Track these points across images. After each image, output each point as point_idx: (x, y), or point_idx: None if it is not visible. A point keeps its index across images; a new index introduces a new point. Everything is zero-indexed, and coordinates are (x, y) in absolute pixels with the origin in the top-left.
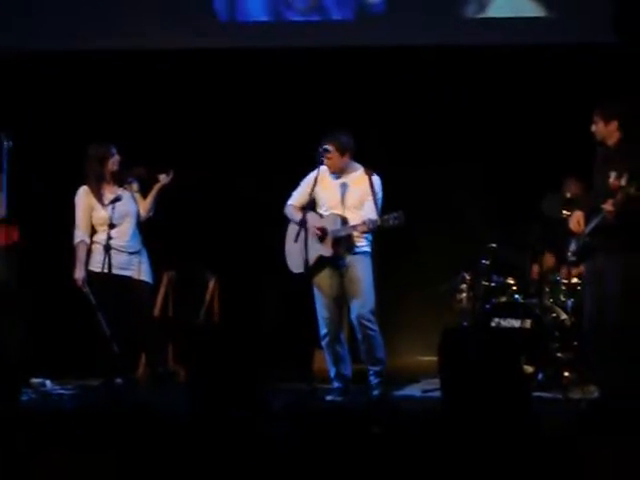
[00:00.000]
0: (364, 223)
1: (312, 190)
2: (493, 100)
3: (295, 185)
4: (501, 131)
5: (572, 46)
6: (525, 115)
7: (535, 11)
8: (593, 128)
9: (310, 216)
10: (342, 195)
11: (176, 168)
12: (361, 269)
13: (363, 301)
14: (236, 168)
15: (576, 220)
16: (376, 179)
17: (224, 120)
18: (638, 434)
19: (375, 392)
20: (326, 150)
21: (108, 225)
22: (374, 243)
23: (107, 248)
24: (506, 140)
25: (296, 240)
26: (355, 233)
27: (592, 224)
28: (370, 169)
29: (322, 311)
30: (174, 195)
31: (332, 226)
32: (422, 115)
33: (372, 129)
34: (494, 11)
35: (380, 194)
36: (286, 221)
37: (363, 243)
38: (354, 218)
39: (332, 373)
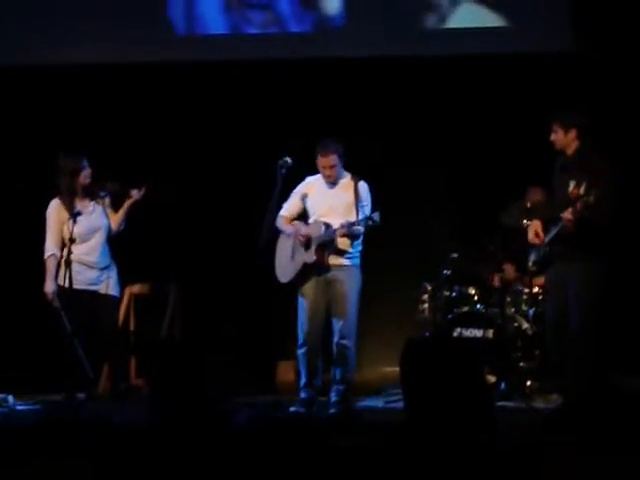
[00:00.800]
0: (342, 226)
1: (303, 200)
2: (454, 110)
3: (260, 196)
4: (463, 140)
5: (532, 55)
6: (487, 124)
7: (495, 21)
8: (552, 137)
9: (298, 225)
10: (331, 203)
11: (140, 181)
12: (349, 284)
13: (345, 319)
14: (197, 180)
15: (534, 230)
16: (362, 185)
17: (186, 132)
18: (600, 441)
19: (332, 410)
20: (331, 167)
21: (69, 239)
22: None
23: (68, 263)
24: (468, 150)
25: (292, 254)
26: (342, 243)
27: (552, 233)
28: (357, 176)
29: (304, 321)
30: (138, 208)
31: (316, 232)
32: (384, 125)
33: (331, 140)
34: (454, 22)
35: (367, 199)
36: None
37: (354, 254)
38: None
39: (302, 382)
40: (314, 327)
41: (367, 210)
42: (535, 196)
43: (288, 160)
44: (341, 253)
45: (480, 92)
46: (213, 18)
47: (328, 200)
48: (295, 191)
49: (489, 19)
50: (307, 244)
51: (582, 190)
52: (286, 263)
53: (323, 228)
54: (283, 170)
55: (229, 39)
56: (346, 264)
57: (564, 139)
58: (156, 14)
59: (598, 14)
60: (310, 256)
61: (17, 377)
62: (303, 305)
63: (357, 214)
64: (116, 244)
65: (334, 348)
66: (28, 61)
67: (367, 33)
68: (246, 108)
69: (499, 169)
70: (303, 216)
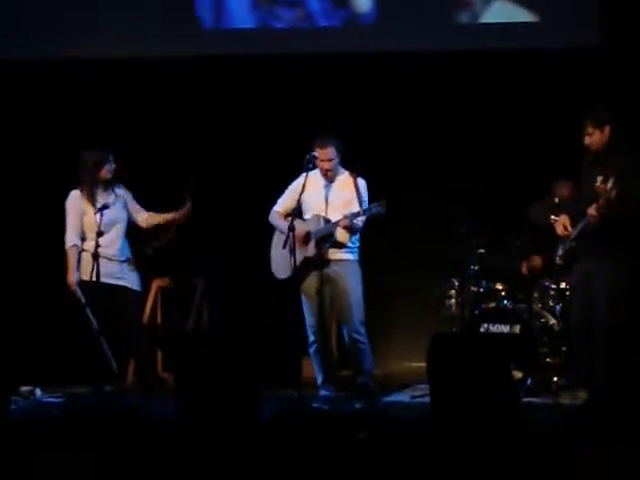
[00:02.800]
0: (345, 217)
1: (299, 196)
2: (483, 105)
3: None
4: (491, 136)
5: (561, 51)
6: (516, 119)
7: (524, 17)
8: (588, 140)
9: (296, 223)
10: (329, 199)
11: (163, 175)
12: (351, 280)
13: (353, 314)
14: (224, 174)
15: (562, 224)
16: (361, 182)
17: (214, 126)
18: (626, 436)
19: (358, 404)
20: (329, 160)
21: (96, 233)
22: (362, 249)
23: (95, 256)
24: (495, 145)
25: (284, 247)
26: (341, 237)
27: (578, 228)
28: (355, 173)
29: (309, 318)
30: (165, 202)
31: (315, 227)
32: (413, 120)
33: (361, 134)
34: (486, 18)
35: (365, 197)
36: (272, 228)
37: (353, 249)
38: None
39: (319, 380)
40: (321, 323)
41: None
42: (563, 191)
43: (316, 155)
44: (340, 247)
45: (509, 87)
46: (241, 14)
47: (326, 196)
48: (291, 187)
49: (518, 14)
50: (306, 239)
51: (609, 185)
52: (283, 259)
53: (322, 222)
54: (310, 165)
55: (256, 33)
56: (346, 258)
57: (600, 138)
58: (183, 8)
59: (626, 10)
60: (310, 250)
61: (44, 369)
62: (307, 303)
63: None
64: (144, 236)
65: (348, 345)
66: (54, 55)
67: (398, 30)
68: (274, 102)
69: (527, 164)
70: (298, 212)
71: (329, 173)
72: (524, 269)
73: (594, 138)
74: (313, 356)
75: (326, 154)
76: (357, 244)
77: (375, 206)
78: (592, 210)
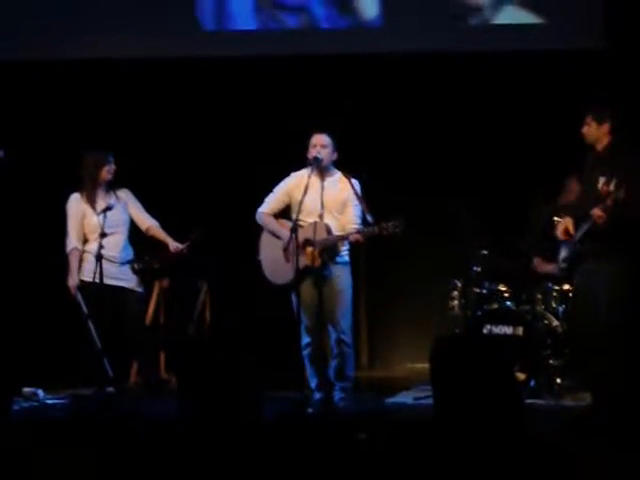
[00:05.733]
0: (358, 232)
1: (290, 197)
2: (486, 106)
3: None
4: (496, 136)
5: (563, 52)
6: (520, 120)
7: (529, 18)
8: (584, 130)
9: (290, 225)
10: (322, 200)
11: (163, 176)
12: (343, 281)
13: (342, 316)
14: (225, 175)
15: (563, 228)
16: (356, 182)
17: (214, 127)
18: (631, 439)
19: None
20: (322, 145)
21: (99, 234)
22: (362, 250)
23: (98, 257)
24: (500, 146)
25: (284, 251)
26: (339, 245)
27: (582, 230)
28: (348, 173)
29: (305, 320)
30: (167, 205)
31: (318, 235)
32: (413, 120)
33: (363, 135)
34: (493, 20)
35: (361, 198)
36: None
37: (345, 252)
38: (335, 224)
39: (313, 384)
40: (315, 323)
41: (359, 210)
42: (572, 187)
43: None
44: (339, 251)
45: (514, 88)
46: (243, 19)
47: (318, 197)
48: (280, 186)
49: (523, 16)
50: (304, 245)
51: (612, 186)
52: (280, 264)
53: (324, 231)
54: (311, 165)
55: (258, 34)
56: (338, 262)
57: (596, 132)
58: (184, 10)
59: (631, 13)
60: (315, 260)
61: (47, 371)
62: (302, 304)
63: (361, 215)
64: (146, 237)
65: (333, 346)
66: (53, 55)
67: (404, 34)
68: (277, 104)
69: (531, 165)
70: (286, 213)
71: (320, 160)
72: (538, 265)
73: (590, 130)
74: (307, 359)
75: (320, 139)
76: (348, 246)
77: (394, 227)
78: (598, 211)
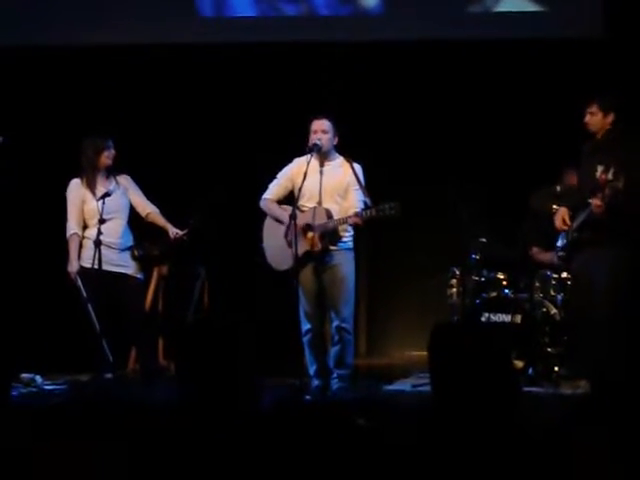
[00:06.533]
0: (357, 215)
1: (292, 183)
2: (485, 94)
3: None
4: (494, 124)
5: (563, 40)
6: (518, 108)
7: (528, 6)
8: (588, 118)
9: (300, 216)
10: (324, 184)
11: (162, 162)
12: (346, 268)
13: (344, 303)
14: (224, 162)
15: (561, 217)
16: (358, 167)
17: (214, 113)
18: (630, 425)
19: (348, 394)
20: (323, 131)
21: (98, 220)
22: (362, 238)
23: (97, 243)
24: (497, 132)
25: (286, 235)
26: (341, 230)
27: (580, 219)
28: (350, 158)
29: (306, 306)
30: (166, 191)
31: (318, 220)
32: (413, 107)
33: (363, 123)
34: (494, 8)
35: (363, 181)
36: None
37: (348, 238)
38: (336, 209)
39: (312, 371)
40: (315, 310)
41: (360, 194)
42: (570, 179)
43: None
44: (339, 239)
45: (513, 76)
46: (242, 7)
47: (319, 182)
48: (282, 172)
49: (524, 4)
50: (305, 230)
51: (610, 175)
52: (281, 250)
53: (324, 215)
54: (311, 152)
55: (257, 21)
56: (341, 248)
57: (601, 121)
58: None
59: (630, 3)
60: (315, 245)
61: (45, 357)
62: (303, 290)
63: (363, 199)
64: (145, 224)
65: (334, 333)
66: (51, 41)
67: (405, 22)
68: (278, 91)
69: (529, 152)
70: (289, 199)
71: (324, 147)
72: (532, 256)
73: (595, 119)
74: (307, 345)
75: (321, 125)
76: (352, 232)
77: (390, 208)
78: (597, 200)
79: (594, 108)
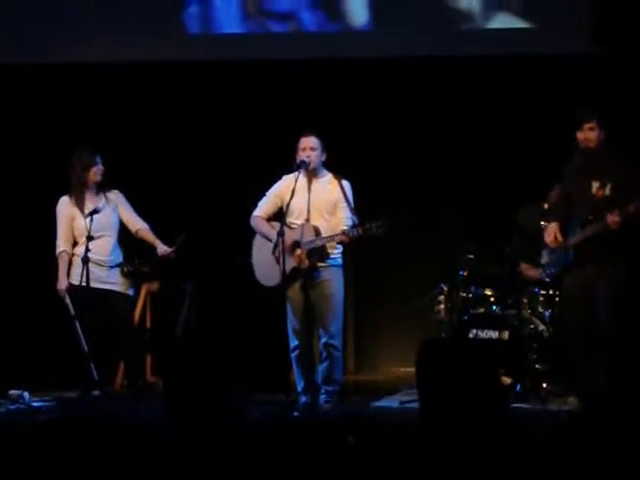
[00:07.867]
0: (344, 233)
1: (281, 200)
2: (475, 110)
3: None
4: (484, 140)
5: (552, 56)
6: (508, 124)
7: (517, 23)
8: (588, 135)
9: (288, 232)
10: (312, 201)
11: (151, 179)
12: (335, 284)
13: (332, 319)
14: (212, 178)
15: (552, 232)
16: (346, 184)
17: (204, 132)
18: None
19: (332, 410)
20: (311, 148)
21: (86, 237)
22: (349, 254)
23: (85, 261)
24: (488, 150)
25: (273, 253)
26: (329, 247)
27: (580, 235)
28: (339, 174)
29: (294, 322)
30: (153, 205)
31: (306, 237)
32: (401, 124)
33: (350, 138)
34: (484, 24)
35: (351, 199)
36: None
37: (337, 254)
38: (325, 226)
39: (300, 387)
40: (304, 326)
41: (348, 211)
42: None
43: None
44: (328, 257)
45: (501, 92)
46: (230, 24)
47: (307, 198)
48: (271, 190)
49: (514, 22)
50: (293, 247)
51: (608, 191)
52: (269, 266)
53: (312, 232)
54: (299, 168)
55: (245, 38)
56: (330, 264)
57: (598, 138)
58: (170, 14)
59: (617, 17)
60: (303, 262)
61: (33, 373)
62: (291, 307)
63: (351, 216)
64: (133, 240)
65: (322, 349)
66: (40, 59)
67: (394, 40)
68: (266, 108)
69: (516, 168)
70: (279, 216)
71: (309, 163)
72: (525, 270)
73: (595, 134)
74: (294, 362)
75: (309, 142)
76: (340, 248)
77: (377, 227)
78: (615, 217)
79: (593, 124)
